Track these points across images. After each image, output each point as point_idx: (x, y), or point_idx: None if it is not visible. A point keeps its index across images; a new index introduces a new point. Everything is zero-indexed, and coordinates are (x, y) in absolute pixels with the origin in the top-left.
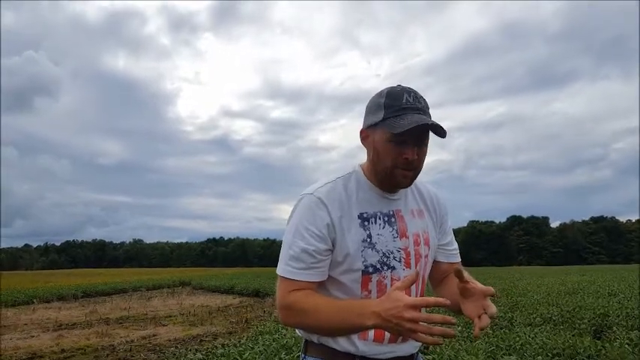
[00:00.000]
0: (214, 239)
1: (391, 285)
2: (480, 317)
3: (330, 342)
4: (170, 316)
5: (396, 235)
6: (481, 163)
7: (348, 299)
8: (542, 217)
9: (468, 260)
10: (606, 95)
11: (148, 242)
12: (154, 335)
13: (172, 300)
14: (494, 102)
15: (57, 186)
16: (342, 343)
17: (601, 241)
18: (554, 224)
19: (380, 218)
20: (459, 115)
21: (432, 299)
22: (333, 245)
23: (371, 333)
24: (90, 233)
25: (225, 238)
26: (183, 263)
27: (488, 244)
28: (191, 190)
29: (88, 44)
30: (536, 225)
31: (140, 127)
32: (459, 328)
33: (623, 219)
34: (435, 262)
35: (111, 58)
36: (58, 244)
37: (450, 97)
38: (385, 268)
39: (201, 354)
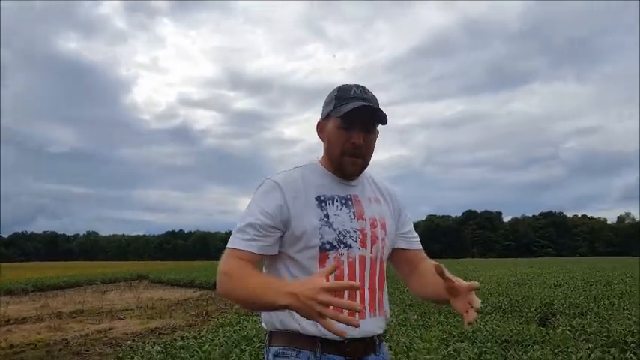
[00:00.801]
0: (173, 232)
1: (348, 264)
2: (467, 312)
3: (292, 324)
4: (127, 310)
5: (353, 216)
6: (440, 160)
7: (275, 277)
8: (496, 212)
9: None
10: (560, 96)
11: (103, 235)
12: (110, 329)
13: (129, 293)
14: (454, 100)
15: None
16: (304, 325)
17: (549, 235)
18: (507, 219)
19: (337, 201)
20: (420, 111)
21: (345, 283)
22: (285, 227)
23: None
24: (41, 225)
25: (185, 231)
26: (140, 256)
27: (444, 237)
28: (149, 182)
29: (36, 25)
30: (489, 219)
31: (93, 114)
32: (415, 316)
33: (570, 214)
34: (400, 251)
35: (61, 40)
36: (5, 236)
37: (411, 94)
38: (342, 245)
39: (160, 347)
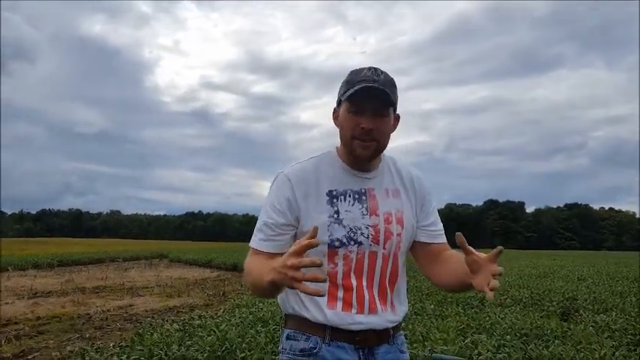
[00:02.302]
0: (193, 213)
1: (356, 260)
2: (489, 283)
3: (303, 311)
4: (147, 287)
5: (365, 212)
6: (461, 147)
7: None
8: (519, 202)
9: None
10: (588, 83)
11: (125, 214)
12: (130, 305)
13: (150, 272)
14: (477, 85)
15: (34, 153)
16: (313, 313)
17: (574, 227)
18: (530, 209)
19: (350, 196)
20: (442, 97)
21: (305, 242)
22: (297, 221)
23: (339, 303)
24: (67, 202)
25: (204, 213)
26: (161, 236)
27: (464, 226)
28: (170, 163)
29: (63, 8)
30: (511, 209)
31: (118, 95)
32: (432, 306)
33: (596, 206)
34: (421, 244)
35: (87, 23)
36: (33, 212)
37: (433, 79)
38: (352, 242)
39: (178, 325)
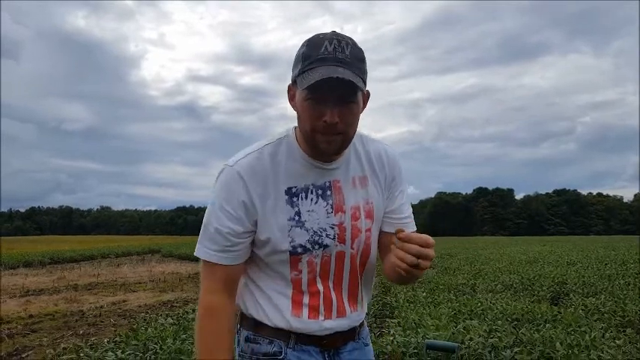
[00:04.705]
0: (184, 207)
1: (321, 263)
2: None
3: (263, 319)
4: (140, 283)
5: (330, 210)
6: (450, 135)
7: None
8: (508, 188)
9: (434, 230)
10: (575, 69)
11: (115, 210)
12: (123, 301)
13: (142, 267)
14: (464, 73)
15: (21, 151)
16: (274, 321)
17: (563, 213)
18: (519, 196)
19: (312, 192)
20: (430, 86)
21: None
22: (254, 224)
23: (305, 310)
24: (56, 200)
25: (195, 207)
26: (152, 231)
27: (454, 214)
28: (158, 158)
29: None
30: (501, 197)
31: (104, 91)
32: (424, 294)
33: (584, 192)
34: (384, 234)
35: (72, 18)
36: (22, 210)
37: (421, 68)
38: (317, 247)
39: (172, 319)
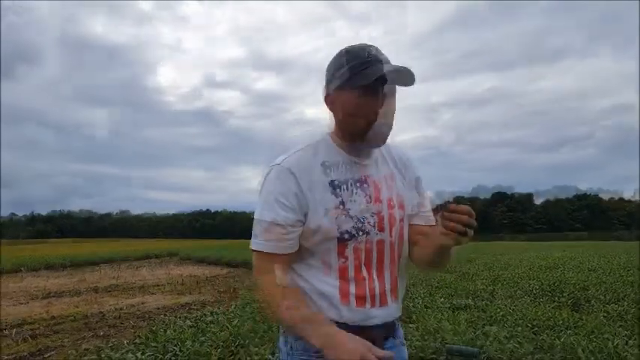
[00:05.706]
0: (201, 211)
1: (365, 250)
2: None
3: (311, 309)
4: (158, 285)
5: (369, 199)
6: (468, 140)
7: (318, 317)
8: (527, 193)
9: None
10: (595, 72)
11: (134, 213)
12: (142, 303)
13: (160, 270)
14: (482, 77)
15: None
16: (326, 312)
17: (583, 218)
18: (538, 201)
19: (352, 184)
20: (446, 90)
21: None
22: (304, 216)
23: (352, 298)
24: (76, 203)
25: (212, 211)
26: (170, 235)
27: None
28: (175, 162)
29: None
30: (520, 202)
31: (121, 96)
32: (442, 299)
33: (606, 197)
34: (414, 228)
35: (90, 23)
36: (44, 213)
37: (437, 71)
38: (360, 233)
39: (191, 321)
